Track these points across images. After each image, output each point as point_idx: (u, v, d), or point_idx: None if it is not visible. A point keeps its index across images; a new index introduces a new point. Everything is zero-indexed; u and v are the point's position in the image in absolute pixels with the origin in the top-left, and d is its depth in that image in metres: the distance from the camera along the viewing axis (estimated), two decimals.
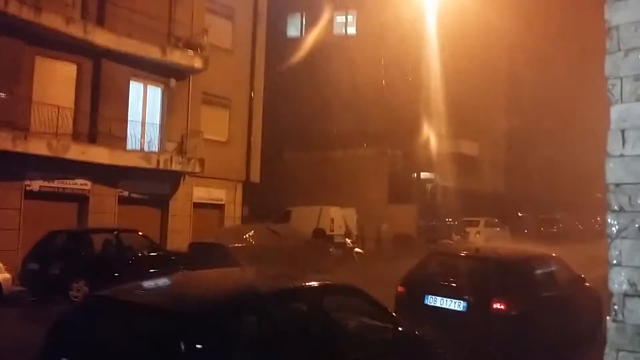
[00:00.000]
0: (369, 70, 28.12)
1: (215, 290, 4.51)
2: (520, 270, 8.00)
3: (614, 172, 2.27)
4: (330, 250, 17.43)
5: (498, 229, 28.34)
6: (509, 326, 7.02)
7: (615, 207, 2.24)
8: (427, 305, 7.62)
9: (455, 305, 7.43)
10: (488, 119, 35.49)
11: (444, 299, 7.55)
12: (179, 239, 17.73)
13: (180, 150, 18.33)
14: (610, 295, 2.25)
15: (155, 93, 18.39)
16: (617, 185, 2.24)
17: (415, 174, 31.13)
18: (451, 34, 29.18)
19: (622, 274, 2.21)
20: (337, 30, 31.99)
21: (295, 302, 4.68)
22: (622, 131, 2.25)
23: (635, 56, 2.23)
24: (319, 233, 19.91)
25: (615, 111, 2.28)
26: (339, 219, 22.33)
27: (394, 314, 5.50)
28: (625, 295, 2.21)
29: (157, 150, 17.83)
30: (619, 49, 2.27)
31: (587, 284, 9.14)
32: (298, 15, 33.19)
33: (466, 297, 7.39)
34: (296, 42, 31.77)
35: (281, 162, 28.57)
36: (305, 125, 28.84)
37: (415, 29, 28.48)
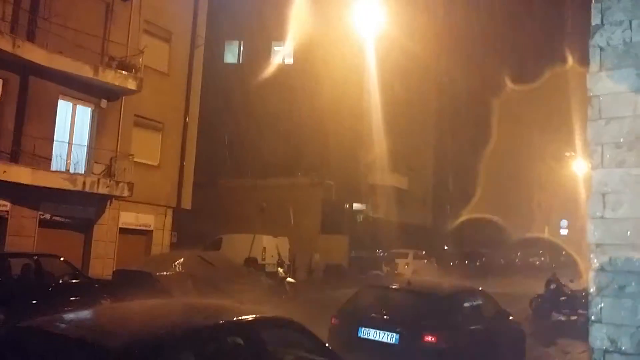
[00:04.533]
0: (305, 100, 28.49)
1: (148, 323, 4.32)
2: (451, 303, 8.23)
3: (595, 233, 2.36)
4: (262, 279, 17.20)
5: (425, 261, 29.04)
6: (439, 359, 7.17)
7: (597, 267, 2.33)
8: (360, 337, 7.66)
9: (388, 337, 7.51)
10: (418, 154, 36.71)
11: (377, 331, 7.61)
12: (103, 266, 16.96)
13: (109, 172, 17.67)
14: (591, 350, 2.30)
15: (84, 113, 17.71)
16: (598, 245, 2.33)
17: (348, 205, 31.52)
18: (386, 70, 30.17)
19: (603, 330, 2.29)
20: (275, 59, 32.31)
21: (231, 336, 4.56)
22: (603, 195, 2.35)
23: (616, 125, 2.34)
24: (250, 262, 19.64)
25: (596, 175, 2.39)
26: (271, 247, 22.15)
27: (329, 347, 5.46)
28: (606, 351, 2.27)
29: (83, 172, 17.11)
30: (600, 117, 2.39)
31: (511, 318, 9.51)
32: (236, 43, 33.31)
33: (398, 329, 7.50)
34: (233, 68, 31.81)
35: (214, 189, 28.14)
36: (240, 152, 28.70)
37: (352, 63, 29.22)
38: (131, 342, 3.67)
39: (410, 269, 26.51)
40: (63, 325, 4.13)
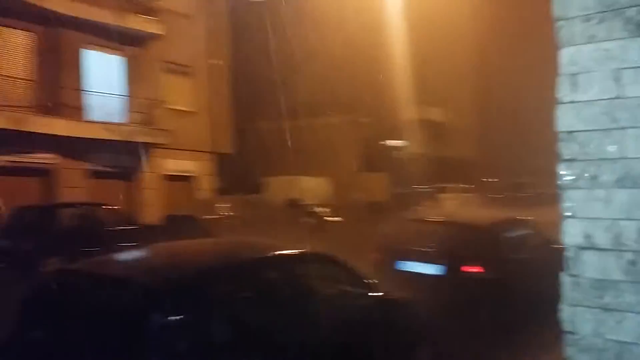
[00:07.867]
0: (336, 37, 27.71)
1: (189, 261, 4.41)
2: (493, 233, 8.09)
3: (564, 119, 2.12)
4: (304, 219, 17.45)
5: (467, 194, 28.70)
6: (483, 289, 7.12)
7: (567, 157, 2.12)
8: (401, 270, 7.67)
9: (430, 269, 7.49)
10: (454, 85, 35.67)
11: (419, 263, 7.61)
12: (149, 212, 17.45)
13: (145, 121, 17.87)
14: (564, 248, 2.15)
15: (113, 62, 17.76)
16: (569, 133, 2.11)
17: (385, 142, 31.18)
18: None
19: (577, 226, 2.11)
20: None
21: (273, 271, 4.62)
22: (573, 75, 2.10)
23: None
24: (292, 203, 19.89)
25: (565, 55, 2.12)
26: (311, 188, 22.31)
27: (369, 280, 5.49)
28: (580, 248, 2.11)
29: (121, 121, 17.34)
30: None
31: (558, 246, 9.32)
32: None
33: (440, 261, 7.46)
34: (260, 5, 31.03)
35: (252, 132, 28.20)
36: (275, 93, 28.41)
37: None
38: (173, 280, 3.76)
39: (452, 203, 26.30)
40: (108, 266, 4.26)
